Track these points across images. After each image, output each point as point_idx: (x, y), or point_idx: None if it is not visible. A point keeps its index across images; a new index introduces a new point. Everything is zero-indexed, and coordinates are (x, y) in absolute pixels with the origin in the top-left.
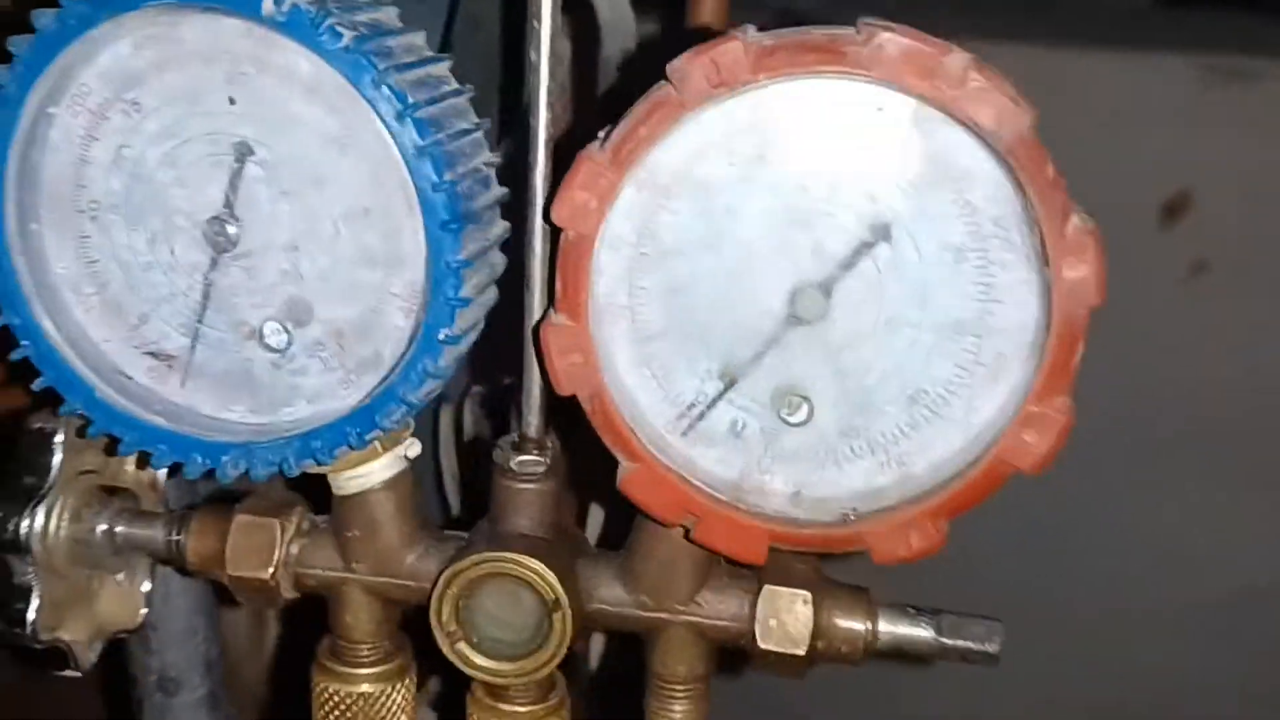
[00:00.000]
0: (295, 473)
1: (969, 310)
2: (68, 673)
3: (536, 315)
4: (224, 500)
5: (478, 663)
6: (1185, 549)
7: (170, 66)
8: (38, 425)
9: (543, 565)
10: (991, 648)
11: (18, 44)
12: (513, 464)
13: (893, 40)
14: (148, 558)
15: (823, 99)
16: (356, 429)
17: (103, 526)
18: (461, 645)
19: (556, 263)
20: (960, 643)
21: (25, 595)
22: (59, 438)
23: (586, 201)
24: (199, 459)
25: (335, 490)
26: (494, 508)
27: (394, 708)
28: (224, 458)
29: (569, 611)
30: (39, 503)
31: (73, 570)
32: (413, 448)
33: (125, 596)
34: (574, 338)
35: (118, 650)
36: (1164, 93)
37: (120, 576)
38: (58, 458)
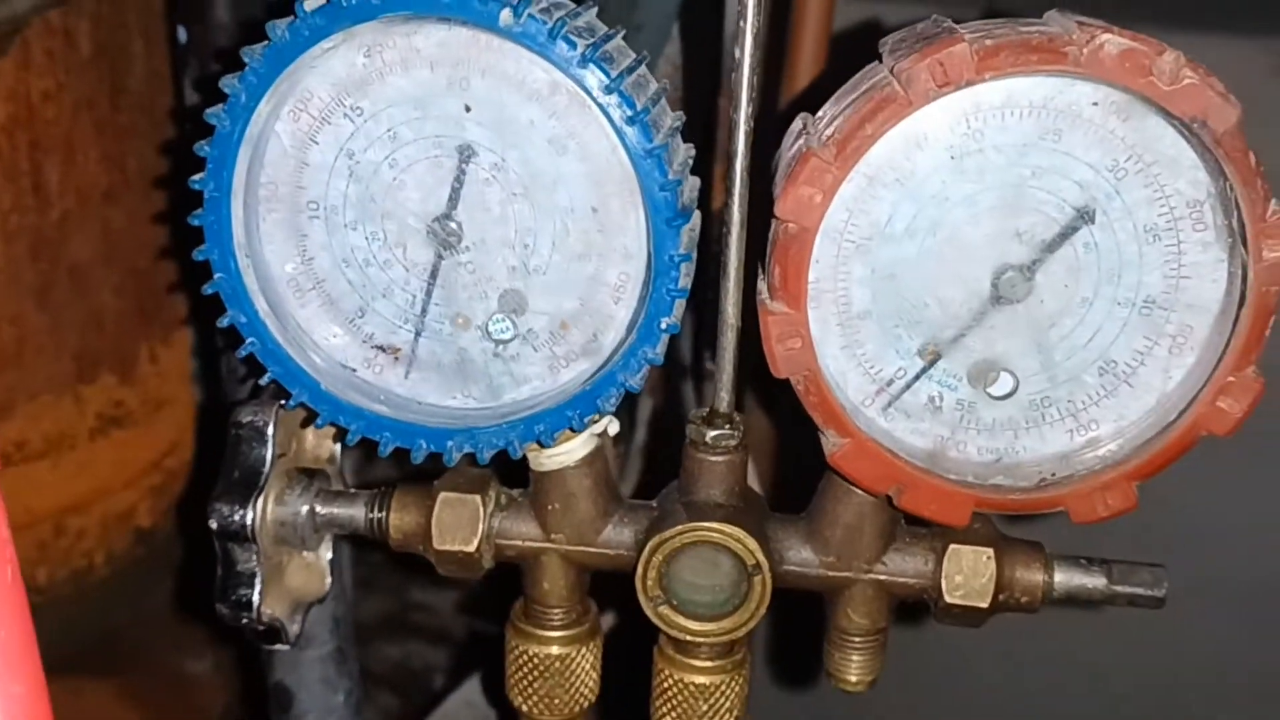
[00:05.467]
0: (520, 454)
1: (1160, 286)
2: (278, 646)
3: (732, 300)
4: (406, 479)
5: (682, 624)
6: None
7: (398, 73)
8: (249, 419)
9: (744, 532)
10: (1158, 592)
11: (250, 54)
12: (707, 438)
13: (1112, 41)
14: (340, 533)
15: (1039, 93)
16: (579, 411)
17: (304, 508)
18: (665, 609)
19: (773, 253)
20: (1129, 589)
21: (250, 581)
22: (270, 429)
23: (811, 196)
24: (424, 444)
25: (534, 466)
26: (685, 478)
27: (583, 667)
28: (449, 442)
29: (768, 574)
30: (259, 493)
31: (275, 551)
32: (612, 425)
33: (311, 568)
34: (792, 324)
35: None
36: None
37: (308, 551)
38: (271, 450)
